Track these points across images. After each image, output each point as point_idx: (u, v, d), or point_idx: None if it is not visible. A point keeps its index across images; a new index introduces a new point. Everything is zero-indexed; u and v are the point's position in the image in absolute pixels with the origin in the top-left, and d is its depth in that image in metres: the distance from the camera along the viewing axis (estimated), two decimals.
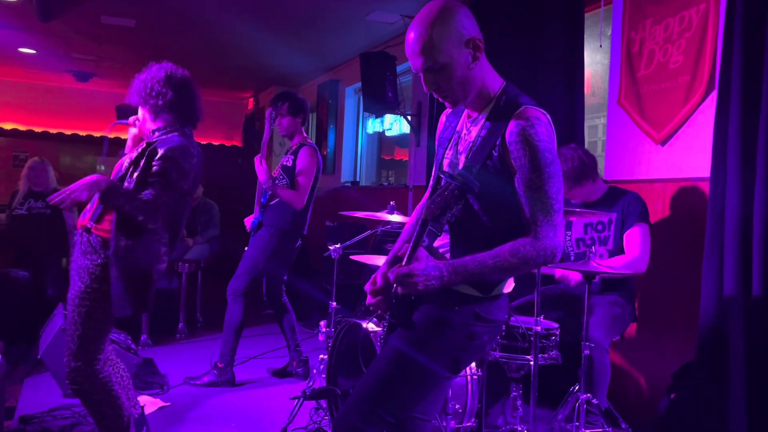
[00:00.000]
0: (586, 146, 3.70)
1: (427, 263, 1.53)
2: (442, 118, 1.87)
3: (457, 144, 1.74)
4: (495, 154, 1.60)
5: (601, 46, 3.78)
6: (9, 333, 4.22)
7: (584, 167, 3.09)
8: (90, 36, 6.55)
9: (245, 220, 4.07)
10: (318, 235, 6.44)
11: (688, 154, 3.20)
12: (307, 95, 8.79)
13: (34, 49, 7.43)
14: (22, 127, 9.72)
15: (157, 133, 2.55)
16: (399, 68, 5.68)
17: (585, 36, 3.77)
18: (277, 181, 3.90)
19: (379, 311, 1.70)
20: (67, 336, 2.36)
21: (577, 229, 3.22)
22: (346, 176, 7.51)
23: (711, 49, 3.04)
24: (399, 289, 1.55)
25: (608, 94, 3.73)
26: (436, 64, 1.59)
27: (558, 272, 3.13)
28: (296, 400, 3.00)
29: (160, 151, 2.41)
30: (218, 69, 8.28)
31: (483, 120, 1.67)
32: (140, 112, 2.59)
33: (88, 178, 2.28)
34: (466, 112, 1.76)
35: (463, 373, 2.73)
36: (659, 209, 3.27)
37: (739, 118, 2.61)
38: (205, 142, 10.67)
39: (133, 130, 2.66)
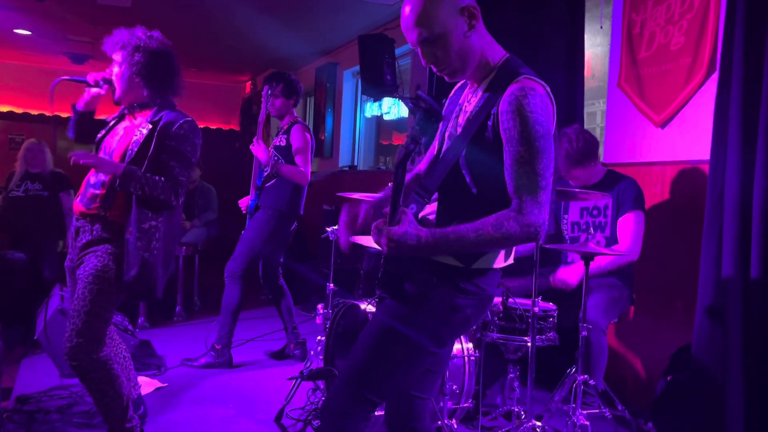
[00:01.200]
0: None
1: (407, 229, 1.50)
2: (450, 95, 1.86)
3: (458, 116, 1.72)
4: (489, 123, 1.57)
5: (601, 27, 3.75)
6: (6, 314, 4.22)
7: (589, 148, 3.08)
8: (86, 17, 6.48)
9: (240, 201, 4.06)
10: (316, 218, 6.43)
11: (688, 137, 3.18)
12: (305, 78, 8.73)
13: (30, 31, 7.36)
14: (17, 110, 9.65)
15: (149, 109, 2.51)
16: (398, 51, 5.64)
17: (585, 17, 3.74)
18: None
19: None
20: (73, 312, 2.35)
21: (573, 213, 3.21)
22: (343, 160, 7.48)
23: (712, 31, 3.02)
24: (374, 237, 1.53)
25: (608, 77, 3.71)
26: (432, 35, 1.57)
27: (557, 276, 3.11)
28: (294, 381, 3.00)
29: (173, 129, 2.42)
30: (215, 52, 8.22)
31: (482, 90, 1.65)
32: (121, 78, 2.50)
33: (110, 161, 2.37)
34: (469, 86, 1.74)
35: (460, 354, 2.73)
36: (658, 192, 3.26)
37: (740, 101, 2.60)
38: (202, 126, 10.56)
39: (95, 90, 2.57)
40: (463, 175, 1.62)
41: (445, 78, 1.67)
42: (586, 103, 3.85)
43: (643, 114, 3.41)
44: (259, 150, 3.86)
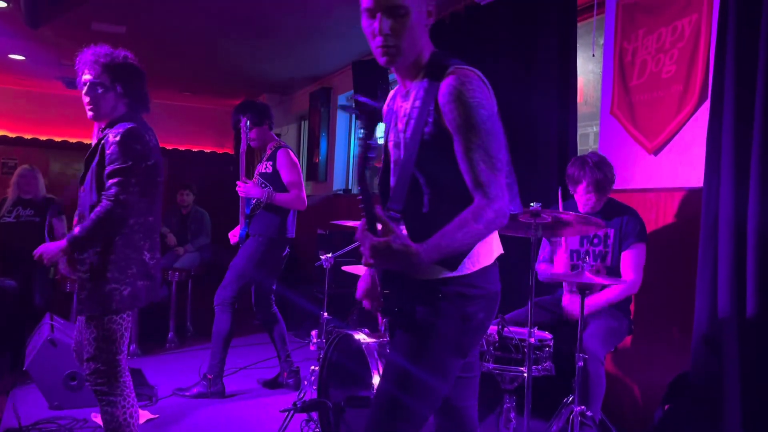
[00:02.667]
0: (578, 155, 3.69)
1: (393, 239, 1.40)
2: (384, 107, 1.83)
3: (396, 123, 1.70)
4: (430, 120, 1.56)
5: (593, 55, 3.78)
6: None
7: (613, 181, 3.09)
8: (80, 43, 6.43)
9: (230, 234, 4.02)
10: (309, 243, 6.40)
11: (681, 164, 3.19)
12: (300, 103, 8.78)
13: (24, 56, 7.37)
14: (10, 134, 9.63)
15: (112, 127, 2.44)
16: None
17: (578, 45, 3.77)
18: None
19: (377, 310, 1.68)
20: (84, 338, 2.37)
21: (572, 241, 3.19)
22: (338, 184, 7.49)
23: (703, 59, 3.04)
24: (370, 260, 1.43)
25: (601, 104, 3.73)
26: (403, 8, 1.54)
27: (567, 309, 3.08)
28: (287, 413, 2.95)
29: (110, 140, 2.34)
30: (209, 76, 8.25)
31: (415, 91, 1.63)
32: (102, 96, 2.41)
33: (50, 249, 2.38)
34: (398, 92, 1.73)
35: None
36: (652, 219, 3.26)
37: (732, 128, 2.61)
38: (196, 150, 10.61)
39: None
40: (417, 179, 1.59)
41: (381, 59, 1.61)
42: (579, 127, 3.86)
43: (636, 141, 3.42)
44: (249, 189, 3.83)
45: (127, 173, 2.32)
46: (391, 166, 1.72)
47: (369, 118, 1.45)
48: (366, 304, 1.75)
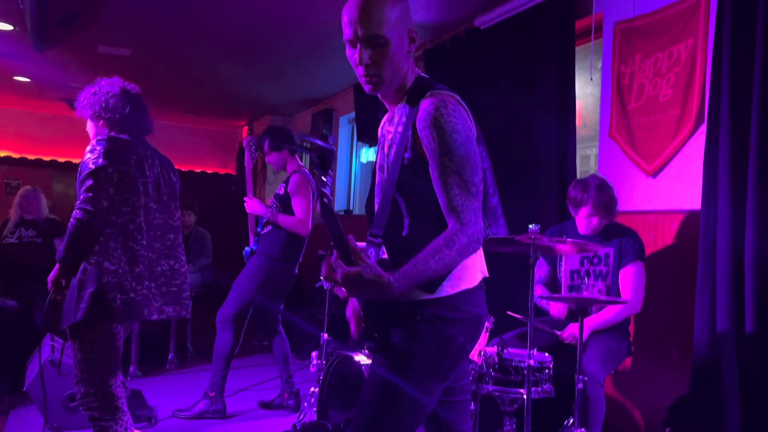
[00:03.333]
0: (578, 176, 3.72)
1: (364, 269, 1.42)
2: (378, 132, 1.85)
3: (383, 147, 1.72)
4: (408, 145, 1.58)
5: (592, 78, 3.83)
6: None
7: (617, 201, 3.10)
8: (86, 65, 6.58)
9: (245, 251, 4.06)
10: (310, 263, 6.41)
11: (679, 186, 3.21)
12: (301, 125, 8.84)
13: (29, 78, 7.46)
14: (14, 155, 9.71)
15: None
16: None
17: (576, 68, 3.82)
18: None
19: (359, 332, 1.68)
20: (73, 362, 2.40)
21: (572, 261, 3.20)
22: (339, 205, 7.52)
23: (700, 83, 3.08)
24: (326, 273, 1.45)
25: (599, 126, 3.76)
26: (382, 38, 1.55)
27: (568, 332, 3.08)
28: None
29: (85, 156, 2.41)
30: (212, 97, 8.33)
31: (399, 116, 1.65)
32: (90, 130, 2.58)
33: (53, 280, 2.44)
34: (387, 117, 1.76)
35: None
36: (651, 241, 3.28)
37: (729, 151, 2.64)
38: (199, 170, 10.68)
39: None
40: (398, 203, 1.61)
41: (366, 87, 1.64)
42: (578, 148, 3.90)
43: (635, 163, 3.45)
44: (253, 205, 3.89)
45: (96, 175, 2.31)
46: (377, 189, 1.74)
47: (320, 156, 1.46)
48: (352, 327, 1.76)
